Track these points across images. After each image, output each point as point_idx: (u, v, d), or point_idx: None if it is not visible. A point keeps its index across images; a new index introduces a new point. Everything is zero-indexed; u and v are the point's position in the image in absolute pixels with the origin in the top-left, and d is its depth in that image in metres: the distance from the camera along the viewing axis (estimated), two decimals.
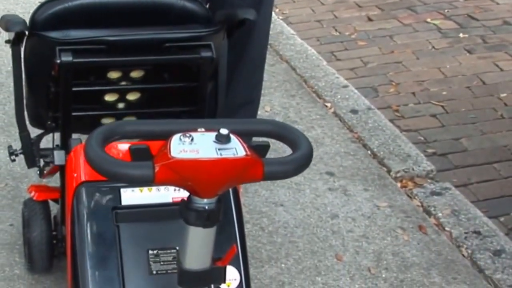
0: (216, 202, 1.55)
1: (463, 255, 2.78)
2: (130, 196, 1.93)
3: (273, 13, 4.70)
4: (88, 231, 1.90)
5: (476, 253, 2.77)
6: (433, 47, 4.38)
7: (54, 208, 2.51)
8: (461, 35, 4.50)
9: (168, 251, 1.88)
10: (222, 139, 1.49)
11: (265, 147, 1.57)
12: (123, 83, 2.23)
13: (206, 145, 1.48)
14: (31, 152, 2.38)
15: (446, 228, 2.90)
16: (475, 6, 4.86)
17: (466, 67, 4.16)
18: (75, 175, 2.00)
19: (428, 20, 4.69)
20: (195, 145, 1.47)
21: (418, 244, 2.82)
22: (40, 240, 2.44)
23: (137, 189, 1.93)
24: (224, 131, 1.49)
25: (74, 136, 2.26)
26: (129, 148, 1.52)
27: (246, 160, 1.48)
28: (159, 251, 1.88)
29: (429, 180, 3.18)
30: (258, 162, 1.49)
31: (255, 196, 3.00)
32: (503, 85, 3.97)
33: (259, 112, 3.49)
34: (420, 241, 2.84)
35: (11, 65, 2.28)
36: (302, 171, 1.55)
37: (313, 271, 2.67)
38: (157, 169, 1.45)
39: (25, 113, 2.34)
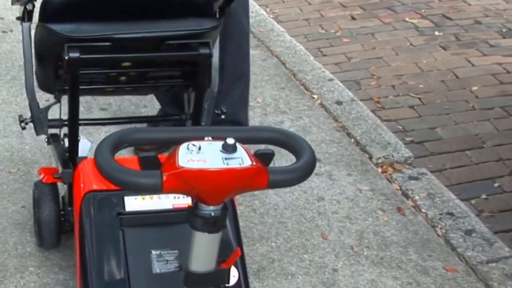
0: (221, 208, 1.49)
1: (438, 235, 2.79)
2: (134, 203, 1.94)
3: (264, 12, 4.72)
4: (95, 235, 1.91)
5: (449, 233, 2.77)
6: (411, 44, 4.37)
7: (62, 190, 2.50)
8: (436, 33, 4.50)
9: (170, 251, 1.87)
10: (228, 149, 1.42)
11: (270, 155, 1.48)
12: (126, 63, 2.22)
13: (213, 154, 1.42)
14: (40, 120, 2.37)
15: (422, 210, 2.91)
16: (450, 7, 4.85)
17: (441, 62, 4.16)
18: (82, 185, 2.01)
19: (407, 19, 4.69)
20: (203, 154, 1.41)
21: (397, 224, 2.83)
22: (49, 219, 2.44)
23: (139, 197, 1.94)
24: (230, 140, 1.43)
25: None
26: (138, 156, 1.46)
27: (252, 169, 1.42)
28: (161, 252, 1.87)
29: (407, 166, 3.19)
30: (263, 171, 1.44)
31: None
32: (474, 79, 3.97)
33: (252, 103, 3.50)
34: (399, 221, 2.84)
35: (22, 60, 2.26)
36: (306, 179, 1.49)
37: (301, 249, 2.67)
38: (165, 178, 1.39)
39: (35, 84, 2.33)
